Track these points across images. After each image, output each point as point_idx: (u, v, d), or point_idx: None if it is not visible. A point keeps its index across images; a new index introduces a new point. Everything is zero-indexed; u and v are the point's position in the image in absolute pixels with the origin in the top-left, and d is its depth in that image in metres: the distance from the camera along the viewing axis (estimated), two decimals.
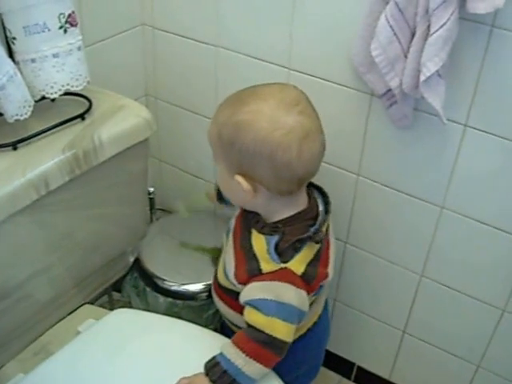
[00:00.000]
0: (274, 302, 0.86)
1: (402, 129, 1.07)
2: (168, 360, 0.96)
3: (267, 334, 0.86)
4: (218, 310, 1.28)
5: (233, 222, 0.99)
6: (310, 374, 1.14)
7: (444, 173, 1.07)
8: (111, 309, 1.23)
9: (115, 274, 1.23)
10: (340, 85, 1.09)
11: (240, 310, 0.93)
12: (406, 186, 1.13)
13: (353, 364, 1.46)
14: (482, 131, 0.99)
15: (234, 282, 0.92)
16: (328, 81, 1.10)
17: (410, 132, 1.06)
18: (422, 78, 0.88)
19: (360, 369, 1.45)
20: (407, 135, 1.07)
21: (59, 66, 0.92)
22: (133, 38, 1.28)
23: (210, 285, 1.24)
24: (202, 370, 0.89)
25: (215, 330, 1.12)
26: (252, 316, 0.89)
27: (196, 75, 1.29)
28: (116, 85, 1.15)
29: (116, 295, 1.39)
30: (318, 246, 0.91)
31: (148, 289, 1.26)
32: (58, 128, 0.97)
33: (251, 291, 0.89)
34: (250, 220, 0.92)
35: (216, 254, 1.23)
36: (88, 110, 1.02)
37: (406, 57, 0.92)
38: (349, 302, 1.36)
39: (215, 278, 1.04)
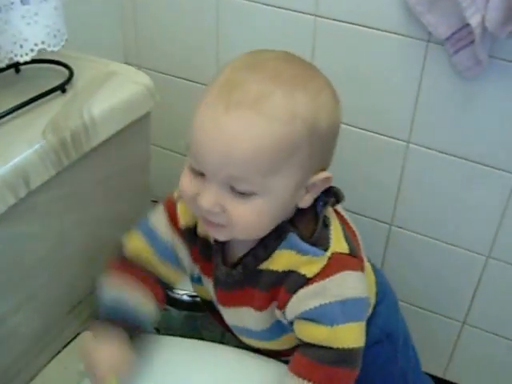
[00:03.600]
0: (335, 304, 0.64)
1: (468, 81, 0.86)
2: None
3: (337, 349, 0.64)
4: None
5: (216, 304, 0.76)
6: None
7: None
8: None
9: None
10: (385, 31, 0.88)
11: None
12: (471, 152, 0.92)
13: None
14: None
15: (280, 316, 0.70)
16: (369, 27, 0.89)
17: (479, 84, 0.86)
18: None
19: None
20: (475, 88, 0.87)
21: (30, 16, 0.67)
22: None
23: None
24: None
25: None
26: (311, 332, 0.66)
27: (188, 31, 1.05)
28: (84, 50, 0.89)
29: None
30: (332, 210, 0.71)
31: None
32: (31, 105, 0.72)
33: (301, 302, 0.66)
34: (245, 272, 0.69)
35: None
36: (69, 80, 0.77)
37: None
38: None
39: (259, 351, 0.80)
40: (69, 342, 0.89)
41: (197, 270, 0.76)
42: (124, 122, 0.78)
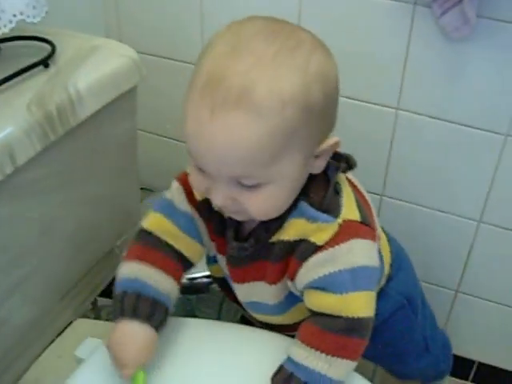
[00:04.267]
0: (344, 272, 0.63)
1: (457, 43, 0.85)
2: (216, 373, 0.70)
3: (346, 318, 0.63)
4: None
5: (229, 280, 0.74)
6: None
7: (510, 95, 0.86)
8: (106, 320, 0.96)
9: (107, 276, 0.96)
10: None
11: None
12: (461, 115, 0.92)
13: None
14: None
15: (292, 286, 0.68)
16: None
17: (467, 45, 0.85)
18: None
19: None
20: (464, 50, 0.86)
21: None
22: None
23: None
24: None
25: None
26: (319, 300, 0.65)
27: (171, 7, 1.02)
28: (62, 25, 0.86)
29: (101, 301, 1.12)
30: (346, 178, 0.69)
31: None
32: (14, 80, 0.69)
33: (311, 270, 0.64)
34: (258, 245, 0.67)
35: None
36: (52, 55, 0.74)
37: None
38: None
39: (270, 326, 0.78)
40: (62, 331, 0.86)
41: (213, 249, 0.73)
42: (111, 95, 0.75)
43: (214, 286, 1.00)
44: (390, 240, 0.83)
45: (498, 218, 0.99)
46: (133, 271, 0.67)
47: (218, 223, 0.69)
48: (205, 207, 0.68)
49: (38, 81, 0.70)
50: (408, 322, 0.85)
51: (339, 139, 0.61)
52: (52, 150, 0.69)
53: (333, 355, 0.63)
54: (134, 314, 0.65)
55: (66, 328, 0.86)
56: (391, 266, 0.81)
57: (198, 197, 0.69)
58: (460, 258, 1.06)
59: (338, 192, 0.65)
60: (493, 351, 1.17)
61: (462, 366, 1.22)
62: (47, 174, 0.71)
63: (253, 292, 0.72)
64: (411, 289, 0.85)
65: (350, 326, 0.63)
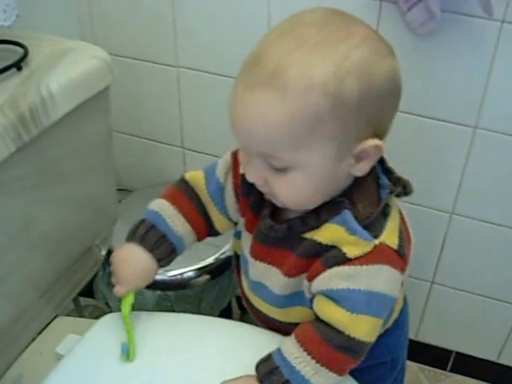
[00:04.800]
0: (364, 293, 0.62)
1: (422, 37, 0.87)
2: (198, 365, 0.71)
3: (348, 336, 0.63)
4: (218, 295, 1.07)
5: (248, 258, 0.73)
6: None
7: (477, 88, 0.89)
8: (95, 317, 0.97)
9: (86, 274, 0.97)
10: None
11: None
12: (431, 110, 0.94)
13: None
14: None
15: (307, 288, 0.67)
16: None
17: (434, 40, 0.87)
18: None
19: None
20: (430, 44, 0.88)
21: None
22: None
23: (205, 266, 1.02)
24: (247, 370, 0.66)
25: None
26: (330, 311, 0.64)
27: (145, 9, 1.03)
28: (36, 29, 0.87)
29: (84, 300, 1.13)
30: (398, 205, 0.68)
31: None
32: None
33: (332, 279, 0.63)
34: (289, 233, 0.67)
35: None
36: (24, 58, 0.75)
37: None
38: None
39: (257, 312, 0.77)
40: (44, 328, 0.87)
41: (242, 223, 0.74)
42: (83, 96, 0.76)
43: (194, 281, 1.02)
44: (405, 298, 0.83)
45: (469, 210, 1.02)
46: (159, 206, 0.72)
47: (257, 200, 0.69)
48: (246, 181, 0.67)
49: (10, 83, 0.71)
50: (382, 382, 0.84)
51: (380, 143, 0.59)
52: (27, 151, 0.70)
53: (322, 365, 0.63)
54: (142, 241, 0.70)
55: (47, 326, 0.88)
56: (401, 311, 0.81)
57: (242, 170, 0.69)
58: (434, 249, 1.09)
59: (386, 214, 0.64)
60: (470, 341, 1.20)
61: (440, 356, 1.24)
62: (23, 174, 0.72)
63: (265, 274, 0.71)
64: (399, 351, 0.84)
65: (348, 345, 0.63)
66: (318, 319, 0.65)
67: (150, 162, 1.22)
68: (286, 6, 0.92)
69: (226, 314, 1.13)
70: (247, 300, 0.78)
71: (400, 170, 1.00)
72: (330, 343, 0.63)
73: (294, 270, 0.67)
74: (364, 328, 0.63)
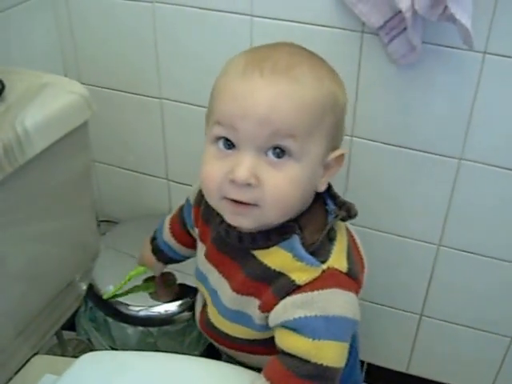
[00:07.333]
0: (321, 318, 0.63)
1: (405, 68, 0.87)
2: None
3: (314, 364, 0.62)
4: None
5: (205, 266, 0.76)
6: None
7: (462, 117, 0.88)
8: (73, 355, 0.95)
9: (67, 311, 0.95)
10: (318, 25, 0.88)
11: (265, 350, 0.70)
12: (413, 140, 0.93)
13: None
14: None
15: (258, 316, 0.68)
16: (301, 23, 0.89)
17: (415, 71, 0.87)
18: None
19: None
20: (412, 75, 0.87)
21: None
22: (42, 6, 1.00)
23: (188, 302, 1.00)
24: None
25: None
26: (291, 341, 0.64)
27: (128, 42, 1.03)
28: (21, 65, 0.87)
29: (68, 334, 1.10)
30: (345, 228, 0.70)
31: (110, 319, 0.99)
32: None
33: (286, 309, 0.64)
34: (240, 244, 0.68)
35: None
36: (1, 93, 0.74)
37: None
38: None
39: (212, 327, 0.78)
40: (21, 367, 0.85)
41: (196, 234, 0.79)
42: (60, 132, 0.75)
43: (177, 317, 1.00)
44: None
45: (457, 241, 1.01)
46: (165, 227, 0.91)
47: (206, 209, 0.72)
48: (200, 192, 0.73)
49: None
50: None
51: (346, 151, 0.68)
52: (2, 188, 0.69)
53: None
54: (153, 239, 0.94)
55: (24, 365, 0.85)
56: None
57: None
58: (422, 281, 1.07)
59: (331, 239, 0.66)
60: (461, 373, 1.17)
61: None
62: None
63: (217, 283, 0.73)
64: (355, 377, 0.85)
65: (315, 373, 0.63)
66: (283, 352, 0.65)
67: (135, 194, 1.21)
68: (269, 37, 0.92)
69: (211, 350, 1.11)
70: (202, 320, 0.80)
71: (384, 203, 1.00)
72: (296, 375, 0.63)
73: (242, 288, 0.69)
74: (329, 353, 0.63)
